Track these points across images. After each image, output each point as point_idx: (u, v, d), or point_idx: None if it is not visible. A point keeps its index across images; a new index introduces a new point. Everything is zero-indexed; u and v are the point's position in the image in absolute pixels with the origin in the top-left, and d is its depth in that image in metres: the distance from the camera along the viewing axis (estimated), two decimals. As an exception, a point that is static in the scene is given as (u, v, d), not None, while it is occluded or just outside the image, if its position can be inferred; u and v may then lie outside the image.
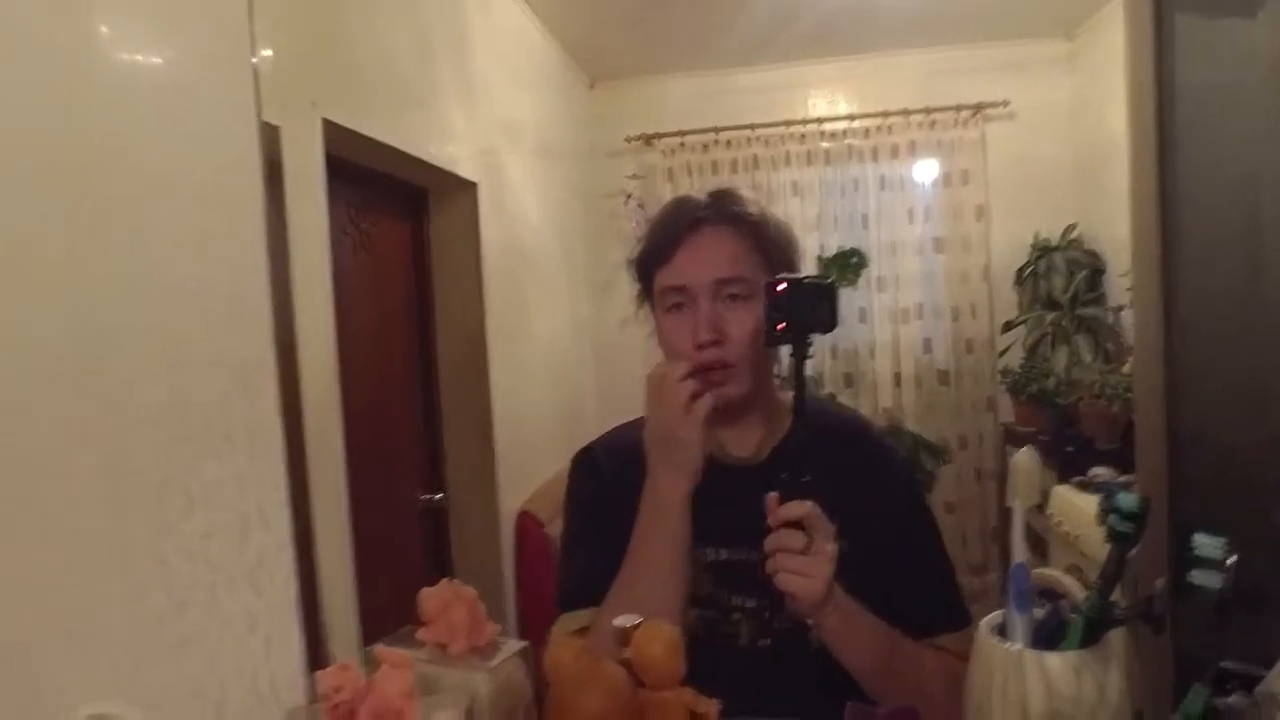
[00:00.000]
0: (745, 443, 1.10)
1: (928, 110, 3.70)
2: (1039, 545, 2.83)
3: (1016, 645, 0.72)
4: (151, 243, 0.71)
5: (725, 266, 1.03)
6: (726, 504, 1.01)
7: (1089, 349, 3.22)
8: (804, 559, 0.88)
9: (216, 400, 0.73)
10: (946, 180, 3.75)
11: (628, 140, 3.91)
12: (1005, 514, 3.62)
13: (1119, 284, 3.14)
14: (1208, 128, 1.23)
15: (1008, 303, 3.73)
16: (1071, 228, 3.56)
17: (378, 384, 2.24)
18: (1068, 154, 3.65)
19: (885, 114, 3.74)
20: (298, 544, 0.80)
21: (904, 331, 3.81)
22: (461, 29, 2.50)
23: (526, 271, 3.02)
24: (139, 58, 0.74)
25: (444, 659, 0.71)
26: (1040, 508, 2.85)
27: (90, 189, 0.67)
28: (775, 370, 1.13)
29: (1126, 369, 2.87)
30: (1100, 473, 2.66)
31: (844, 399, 3.77)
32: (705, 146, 3.87)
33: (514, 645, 0.73)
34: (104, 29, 0.70)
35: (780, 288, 0.91)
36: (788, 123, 3.80)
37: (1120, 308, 3.22)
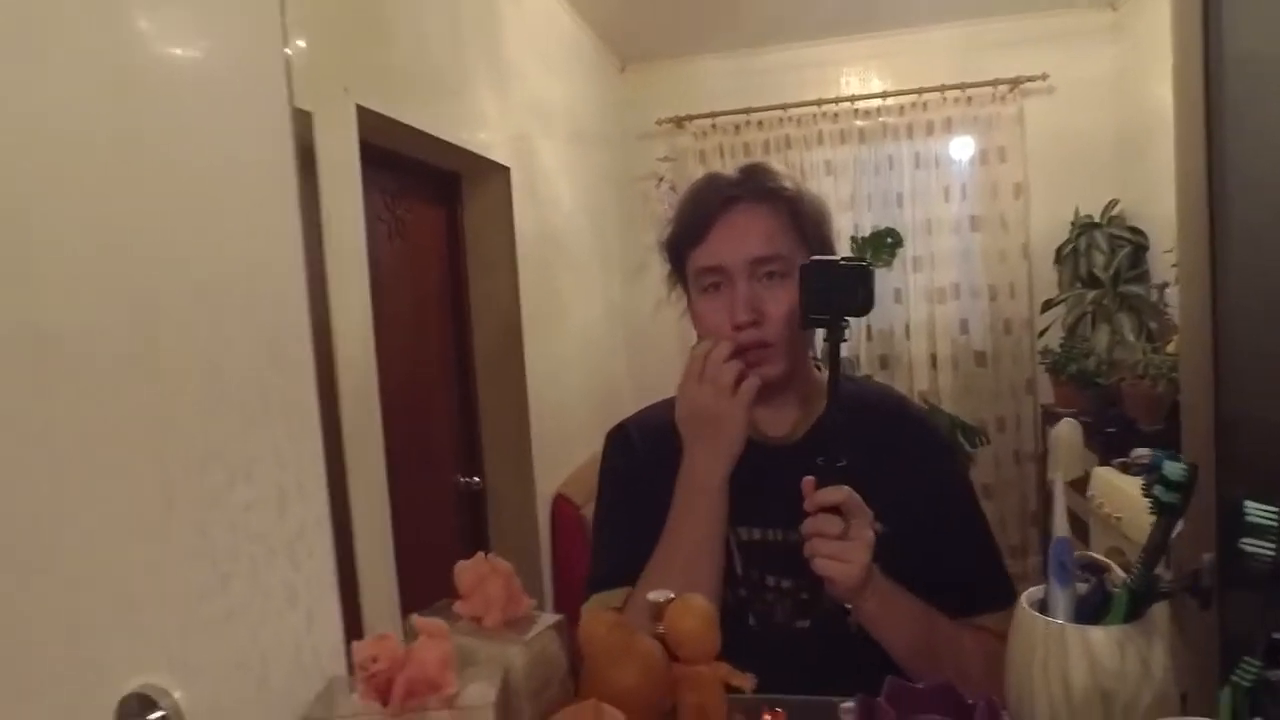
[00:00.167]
0: (780, 422, 1.09)
1: (963, 86, 3.62)
2: (1080, 528, 2.79)
3: (1058, 619, 0.71)
4: (192, 226, 0.73)
5: (762, 245, 1.01)
6: (759, 484, 1.00)
7: (1132, 328, 3.15)
8: (841, 544, 0.87)
9: (254, 375, 0.74)
10: (983, 157, 3.69)
11: (659, 123, 3.89)
12: (1045, 497, 3.57)
13: (1163, 260, 3.06)
14: (1258, 99, 1.19)
15: (1047, 281, 3.66)
16: (1113, 203, 3.48)
17: (414, 368, 2.26)
18: (1109, 128, 3.56)
19: (920, 90, 3.67)
20: (337, 522, 0.81)
21: (940, 312, 3.76)
22: (493, 14, 2.50)
23: (559, 256, 3.02)
24: (177, 50, 0.75)
25: (479, 632, 0.71)
26: (1081, 490, 2.80)
27: (136, 178, 0.69)
28: (810, 350, 1.12)
29: (1171, 348, 2.81)
30: (1143, 454, 2.61)
31: (880, 380, 3.74)
32: (737, 127, 3.84)
33: (549, 619, 0.73)
34: (142, 23, 0.71)
35: (814, 270, 0.90)
36: (820, 101, 3.75)
37: (1164, 285, 3.15)
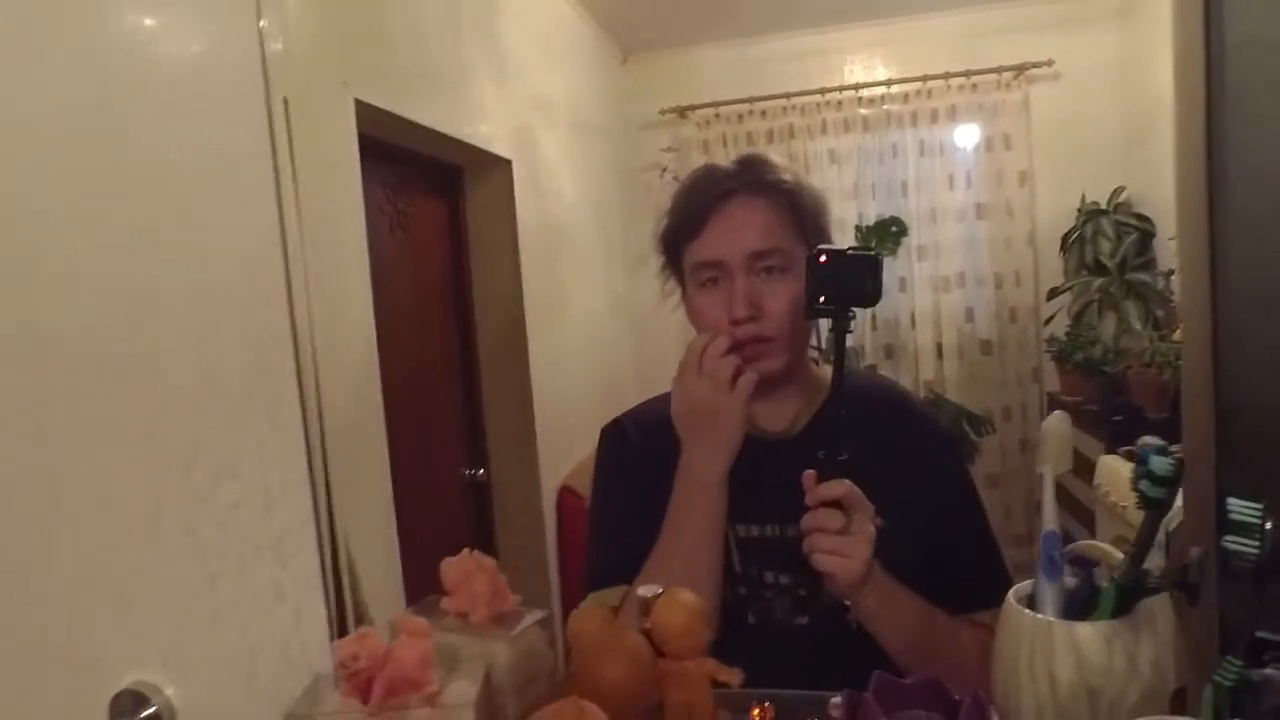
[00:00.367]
0: (778, 416, 1.08)
1: (968, 73, 3.59)
2: (1086, 516, 2.78)
3: (1045, 615, 0.70)
4: (178, 223, 0.73)
5: (761, 238, 1.00)
6: (757, 479, 0.99)
7: (1138, 315, 3.12)
8: (842, 539, 0.86)
9: (239, 373, 0.74)
10: (988, 145, 3.66)
11: (661, 113, 3.88)
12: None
13: (1170, 247, 3.04)
14: (1260, 86, 1.17)
15: (1053, 269, 3.62)
16: (1120, 190, 3.45)
17: (418, 361, 2.26)
18: (1116, 115, 3.52)
19: (924, 78, 3.64)
20: (329, 518, 0.82)
21: (945, 300, 3.74)
22: (493, 7, 2.49)
23: (563, 247, 3.02)
24: (164, 46, 0.75)
25: (465, 628, 0.72)
26: (1087, 479, 2.79)
27: (124, 174, 0.69)
28: (813, 341, 1.11)
29: (1178, 336, 2.79)
30: (1148, 442, 2.59)
31: (885, 370, 3.72)
32: (740, 117, 3.82)
33: (535, 615, 0.74)
34: (129, 22, 0.72)
35: (822, 259, 0.88)
36: (824, 90, 3.73)
37: (1171, 272, 3.12)
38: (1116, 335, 3.10)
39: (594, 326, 3.35)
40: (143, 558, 0.71)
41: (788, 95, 3.75)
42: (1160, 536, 0.69)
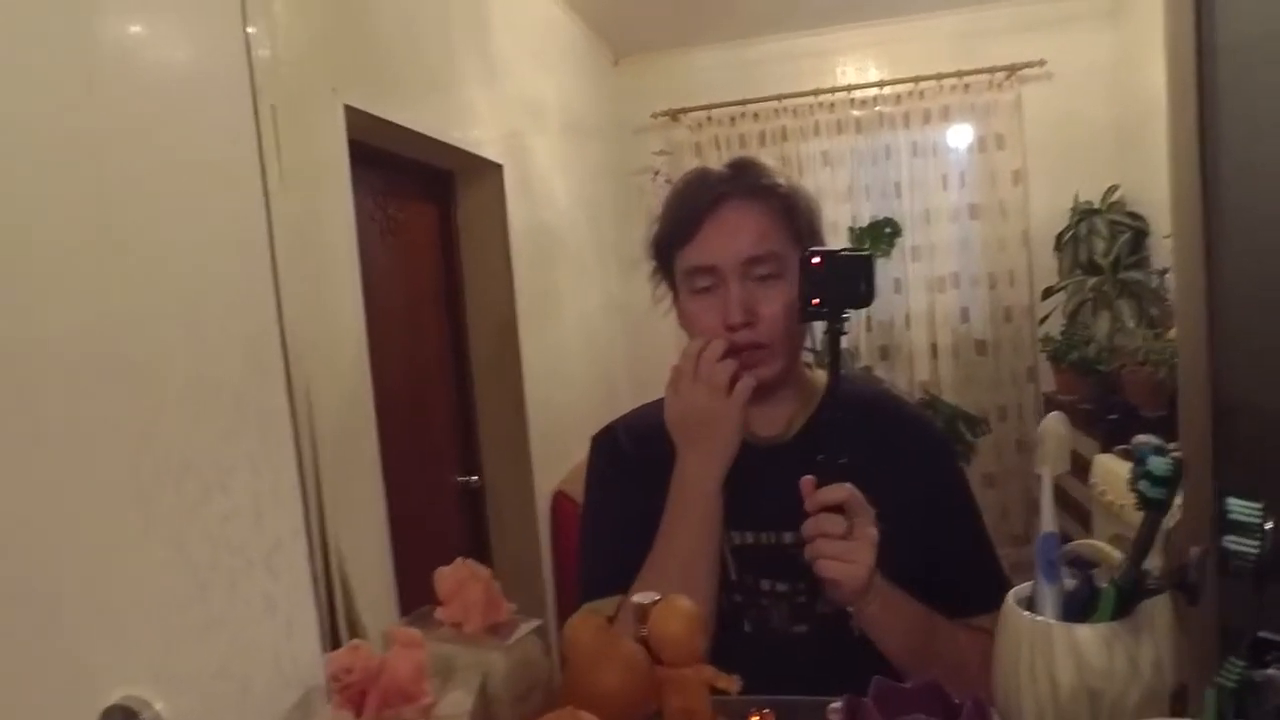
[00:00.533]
0: (772, 422, 1.06)
1: (960, 74, 3.60)
2: (1082, 515, 2.78)
3: (1045, 617, 0.70)
4: (166, 232, 0.72)
5: (755, 244, 0.98)
6: (751, 485, 0.98)
7: (1132, 314, 3.13)
8: (845, 544, 0.85)
9: (229, 382, 0.73)
10: (981, 145, 3.67)
11: (654, 116, 3.88)
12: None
13: (1163, 246, 3.04)
14: (1252, 84, 1.17)
15: (1047, 269, 3.63)
16: (1113, 189, 3.45)
17: (410, 367, 2.25)
18: (1109, 114, 3.52)
19: (917, 79, 3.65)
20: (326, 527, 0.81)
21: (940, 301, 3.74)
22: (482, 10, 2.49)
23: (555, 251, 3.01)
24: (151, 53, 0.74)
25: (460, 638, 0.71)
26: (1083, 478, 2.79)
27: (111, 182, 0.69)
28: (807, 344, 1.10)
29: (1172, 334, 2.79)
30: (1144, 441, 2.59)
31: (880, 372, 3.73)
32: (733, 119, 3.83)
33: (531, 624, 0.73)
34: (112, 21, 0.71)
35: (816, 261, 0.87)
36: (816, 92, 3.73)
37: (1165, 271, 3.12)
38: (1111, 334, 3.10)
39: (588, 330, 3.34)
40: (132, 571, 0.70)
41: (780, 97, 3.75)
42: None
